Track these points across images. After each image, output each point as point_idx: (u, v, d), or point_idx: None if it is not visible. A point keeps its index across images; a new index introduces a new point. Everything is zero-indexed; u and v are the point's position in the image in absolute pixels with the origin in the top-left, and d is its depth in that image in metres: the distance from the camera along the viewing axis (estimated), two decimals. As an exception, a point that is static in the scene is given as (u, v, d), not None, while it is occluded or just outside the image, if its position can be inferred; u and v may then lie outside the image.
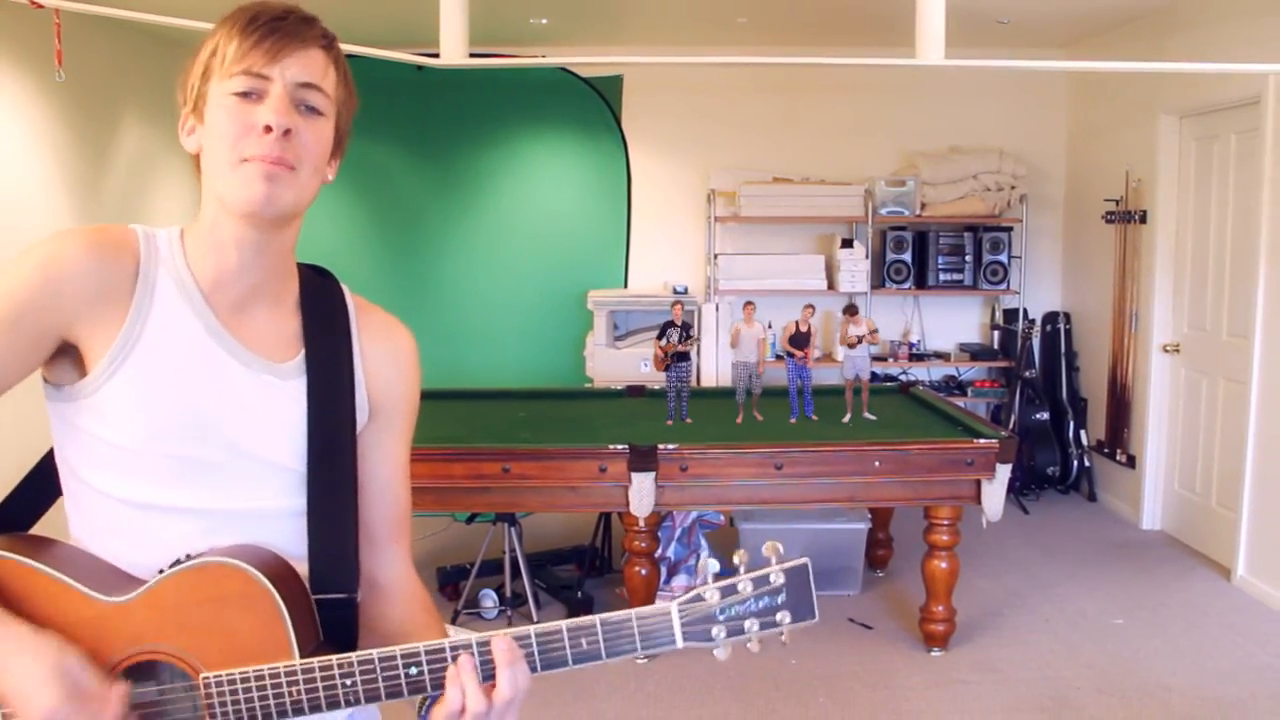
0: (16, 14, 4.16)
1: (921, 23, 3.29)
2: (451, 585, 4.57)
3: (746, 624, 1.13)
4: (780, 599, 1.14)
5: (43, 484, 1.26)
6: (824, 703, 3.60)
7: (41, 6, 3.43)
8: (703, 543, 4.47)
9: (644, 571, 3.88)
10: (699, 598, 1.14)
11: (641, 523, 3.80)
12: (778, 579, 1.14)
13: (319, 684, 1.13)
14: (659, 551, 4.26)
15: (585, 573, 4.74)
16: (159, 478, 1.17)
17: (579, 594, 4.42)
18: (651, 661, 3.92)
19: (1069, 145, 6.42)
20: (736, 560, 1.15)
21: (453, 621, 4.23)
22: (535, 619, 4.15)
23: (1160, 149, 5.31)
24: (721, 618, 1.13)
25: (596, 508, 4.14)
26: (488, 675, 1.12)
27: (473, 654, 1.12)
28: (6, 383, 1.14)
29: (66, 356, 1.17)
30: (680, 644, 1.13)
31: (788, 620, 1.14)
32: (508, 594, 4.36)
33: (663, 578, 4.28)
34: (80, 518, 1.22)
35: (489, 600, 4.35)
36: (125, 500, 1.17)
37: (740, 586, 1.14)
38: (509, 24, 5.57)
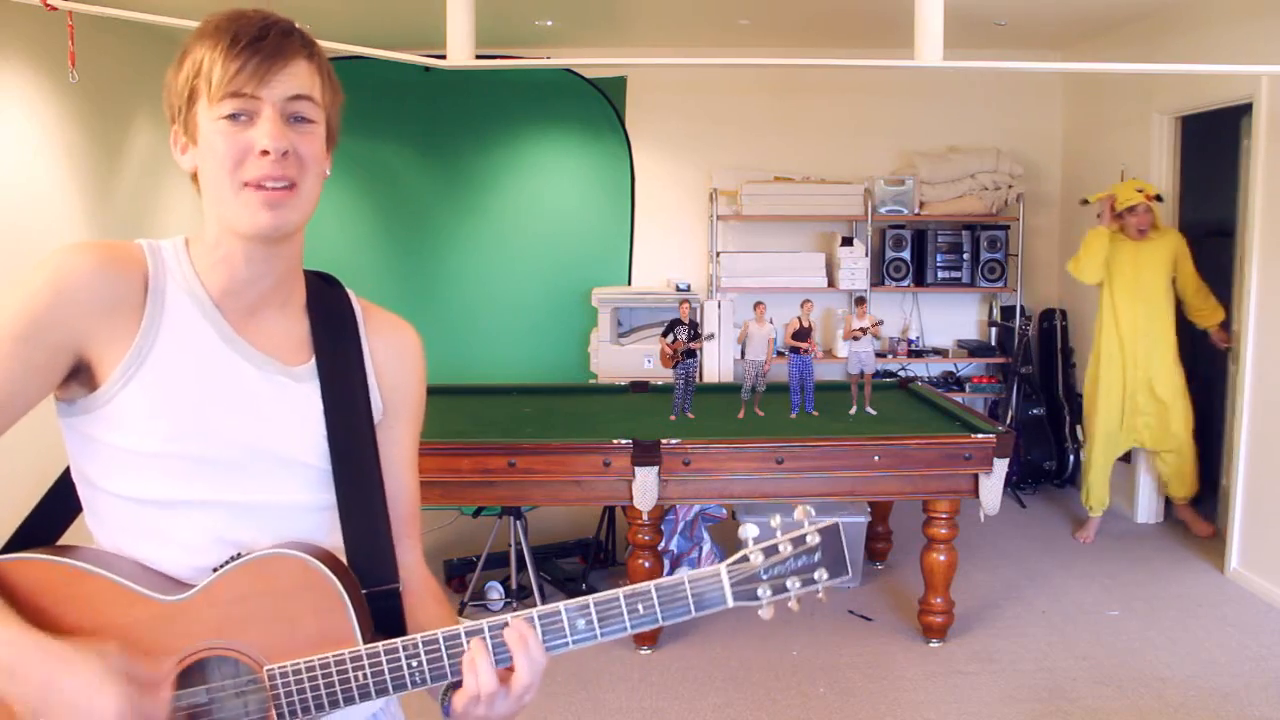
0: (30, 16, 4.20)
1: (920, 25, 3.32)
2: (458, 578, 4.63)
3: (788, 582, 1.18)
4: (817, 557, 1.19)
5: (61, 502, 1.26)
6: (824, 693, 3.66)
7: (55, 9, 3.47)
8: (705, 536, 4.52)
9: (647, 564, 3.92)
10: (745, 559, 1.18)
11: (645, 516, 3.84)
12: (814, 539, 1.19)
13: (385, 667, 1.15)
14: (662, 544, 4.31)
15: (590, 565, 4.79)
16: (179, 477, 1.17)
17: (584, 586, 4.47)
18: (654, 651, 3.98)
19: (1065, 145, 6.48)
20: (773, 524, 1.20)
21: (460, 614, 4.29)
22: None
23: (1154, 149, 5.37)
24: (766, 577, 1.18)
25: (601, 501, 4.17)
26: (507, 658, 1.17)
27: (484, 639, 1.16)
28: (28, 400, 1.13)
29: (77, 372, 1.17)
30: (731, 603, 1.18)
31: (825, 577, 1.19)
32: (513, 586, 4.41)
33: (666, 570, 4.32)
34: (104, 529, 1.21)
35: (495, 592, 4.41)
36: (147, 501, 1.17)
37: (781, 547, 1.19)
38: (515, 26, 5.61)
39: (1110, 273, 5.16)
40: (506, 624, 1.17)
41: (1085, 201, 5.35)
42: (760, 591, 1.18)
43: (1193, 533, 5.25)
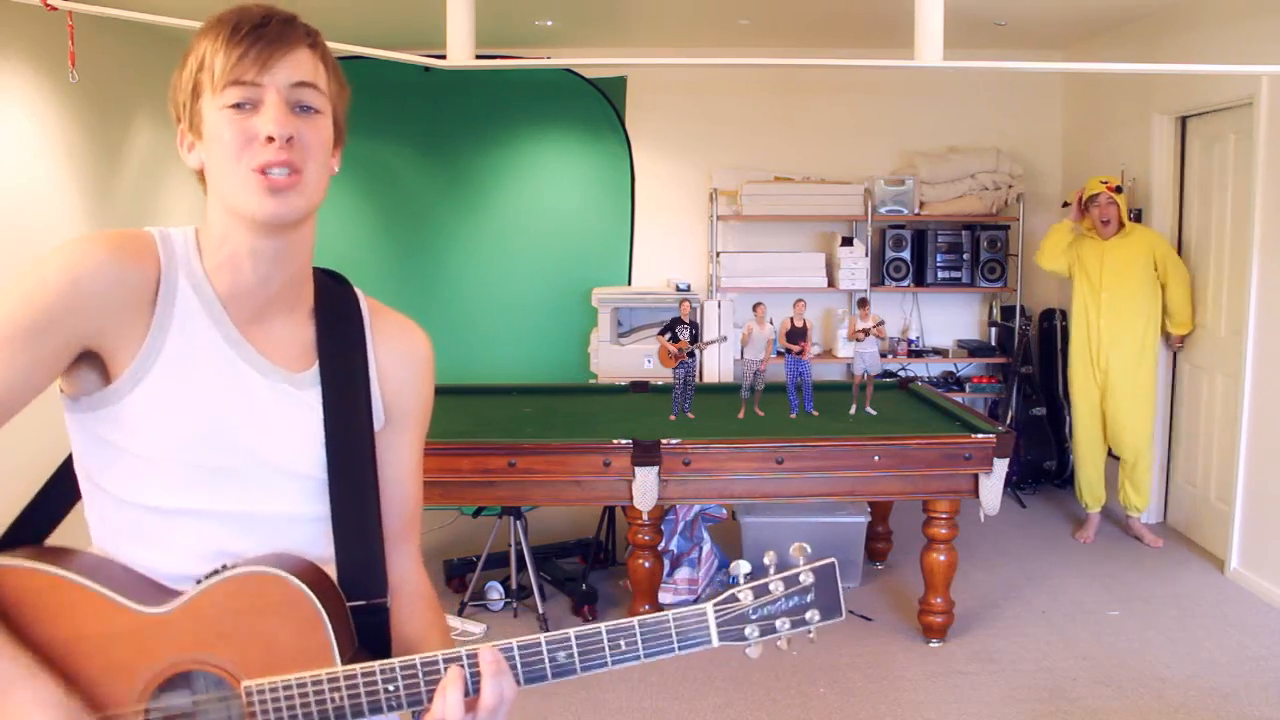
0: (30, 16, 4.21)
1: (920, 25, 3.31)
2: (458, 578, 4.63)
3: (778, 623, 1.16)
4: (809, 598, 1.17)
5: (60, 492, 1.25)
6: (824, 693, 3.66)
7: (55, 9, 3.47)
8: (705, 536, 4.52)
9: (647, 564, 3.93)
10: (733, 598, 1.16)
11: (645, 516, 3.85)
12: (807, 578, 1.17)
13: (361, 689, 1.13)
14: (662, 544, 4.31)
15: (589, 565, 4.78)
16: (180, 484, 1.16)
17: (583, 586, 4.47)
18: (655, 652, 3.98)
19: (1065, 145, 6.48)
20: (766, 561, 1.17)
21: (459, 614, 4.29)
22: (540, 611, 4.21)
23: (1154, 149, 5.37)
24: (755, 617, 1.16)
25: (601, 501, 4.17)
26: (479, 688, 1.14)
27: (462, 666, 1.14)
28: (31, 392, 1.12)
29: (85, 366, 1.15)
30: (716, 643, 1.15)
31: (817, 619, 1.17)
32: (513, 586, 4.41)
33: (666, 570, 4.33)
34: (103, 527, 1.20)
35: (495, 592, 4.41)
36: (147, 506, 1.16)
37: (772, 587, 1.16)
38: (515, 26, 5.61)
39: (1079, 271, 5.19)
40: (454, 662, 1.15)
41: (1066, 204, 5.39)
42: (748, 631, 1.16)
43: (1144, 543, 5.22)
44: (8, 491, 1.41)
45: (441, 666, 1.14)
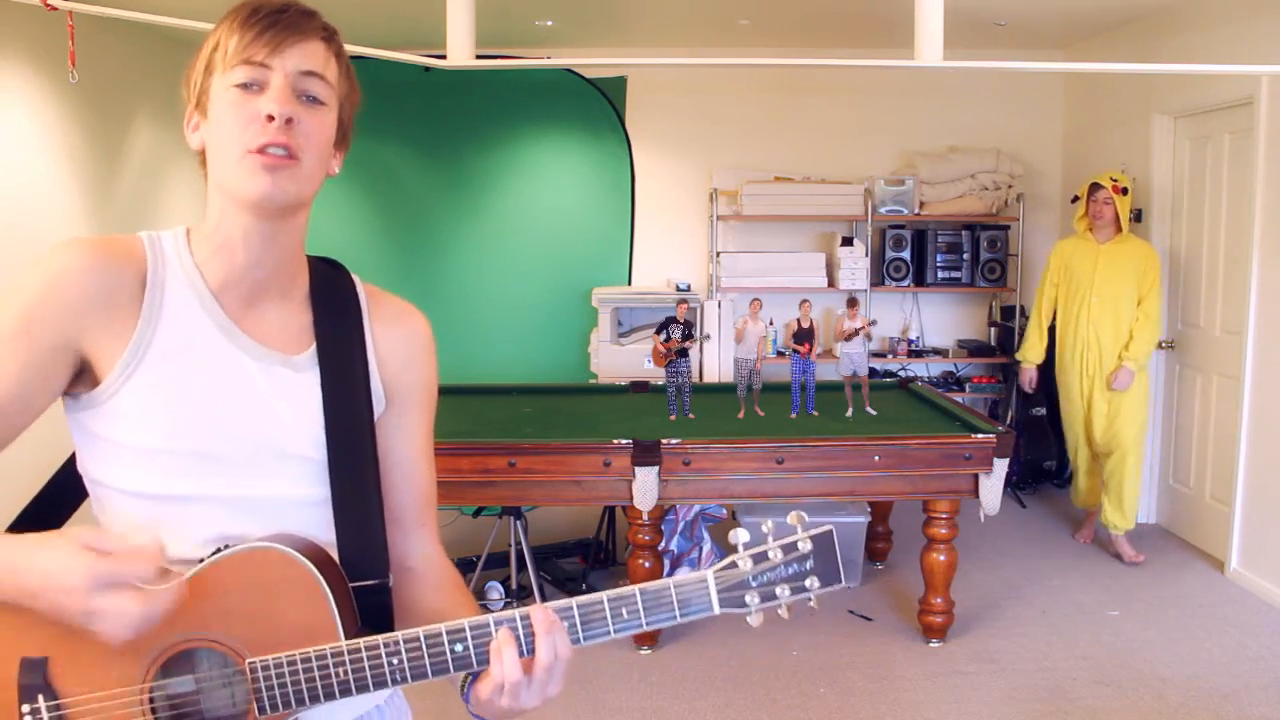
0: (30, 16, 4.21)
1: (920, 25, 3.32)
2: (458, 578, 4.62)
3: (778, 590, 1.16)
4: (809, 565, 1.17)
5: (65, 490, 1.26)
6: (824, 693, 3.66)
7: (55, 9, 3.47)
8: (705, 535, 4.52)
9: (647, 564, 3.93)
10: (733, 565, 1.16)
11: (645, 516, 3.84)
12: (805, 545, 1.17)
13: (365, 664, 1.14)
14: (662, 544, 4.31)
15: (590, 565, 4.79)
16: (179, 472, 1.17)
17: (584, 586, 4.47)
18: (654, 651, 3.98)
19: (1065, 145, 6.48)
20: (764, 529, 1.18)
21: (460, 613, 4.29)
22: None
23: (1155, 149, 5.37)
24: (754, 584, 1.16)
25: (601, 501, 4.16)
26: (532, 648, 1.15)
27: (514, 627, 1.14)
28: (30, 402, 1.13)
29: (80, 369, 1.17)
30: (717, 610, 1.16)
31: (817, 585, 1.17)
32: (514, 586, 4.41)
33: (666, 570, 4.33)
34: (108, 520, 1.22)
35: (495, 592, 4.41)
36: (148, 495, 1.17)
37: (770, 554, 1.17)
38: (515, 26, 5.61)
39: (1066, 277, 5.12)
40: (490, 626, 1.15)
41: (1076, 199, 5.35)
42: (748, 599, 1.16)
43: (1124, 560, 4.99)
44: (11, 491, 1.41)
45: (445, 638, 1.14)
